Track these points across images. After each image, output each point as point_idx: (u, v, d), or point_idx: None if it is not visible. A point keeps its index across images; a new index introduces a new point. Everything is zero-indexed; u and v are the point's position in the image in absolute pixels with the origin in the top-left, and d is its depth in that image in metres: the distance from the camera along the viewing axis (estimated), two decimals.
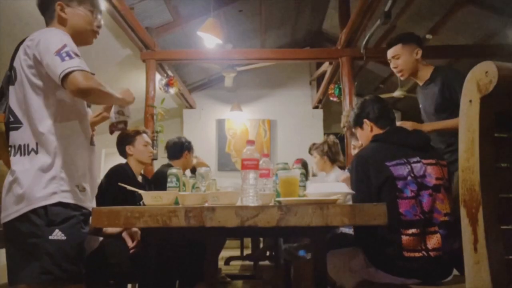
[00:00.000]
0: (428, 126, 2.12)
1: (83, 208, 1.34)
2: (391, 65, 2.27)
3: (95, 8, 1.49)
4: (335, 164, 3.23)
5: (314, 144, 3.34)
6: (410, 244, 1.44)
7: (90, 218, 1.33)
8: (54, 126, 1.32)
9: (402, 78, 2.30)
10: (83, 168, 1.39)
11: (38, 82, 1.31)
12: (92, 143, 1.46)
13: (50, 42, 1.28)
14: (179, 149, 3.20)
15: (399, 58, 2.21)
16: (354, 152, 2.70)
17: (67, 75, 1.22)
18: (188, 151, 3.24)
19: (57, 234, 1.24)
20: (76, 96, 1.30)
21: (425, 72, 2.22)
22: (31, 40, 1.33)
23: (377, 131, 1.73)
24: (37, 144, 1.29)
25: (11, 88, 1.35)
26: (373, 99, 1.81)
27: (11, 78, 1.36)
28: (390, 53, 2.25)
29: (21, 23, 3.66)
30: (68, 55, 1.25)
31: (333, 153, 3.17)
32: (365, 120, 1.77)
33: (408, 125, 2.07)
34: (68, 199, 1.30)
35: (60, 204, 1.27)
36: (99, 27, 1.51)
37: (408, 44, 2.20)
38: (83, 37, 1.46)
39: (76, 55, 1.28)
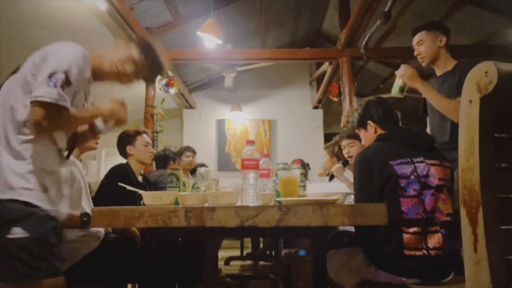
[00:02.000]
0: (422, 87, 2.08)
1: (41, 207, 1.29)
2: (415, 52, 2.24)
3: (143, 65, 1.47)
4: (345, 165, 3.22)
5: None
6: (411, 242, 1.44)
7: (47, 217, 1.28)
8: (22, 127, 1.29)
9: (423, 65, 2.26)
10: (50, 170, 1.34)
11: (28, 85, 1.30)
12: (63, 156, 1.39)
13: (55, 59, 1.29)
14: (164, 161, 3.68)
15: (422, 44, 2.19)
16: (344, 151, 2.70)
17: (35, 102, 1.23)
18: (173, 161, 3.70)
19: (17, 232, 1.22)
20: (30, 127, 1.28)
21: (447, 64, 2.18)
22: (44, 50, 1.34)
23: (381, 132, 1.74)
24: (6, 140, 1.29)
25: (7, 80, 1.36)
26: (377, 100, 1.81)
27: (13, 73, 1.37)
28: (414, 39, 2.23)
29: (21, 23, 3.66)
30: (55, 83, 1.25)
31: (342, 154, 3.16)
32: (369, 122, 1.78)
33: (409, 72, 2.09)
34: (28, 197, 1.26)
35: (17, 201, 1.25)
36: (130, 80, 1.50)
37: (432, 30, 2.17)
38: (101, 76, 1.44)
39: (66, 84, 1.27)
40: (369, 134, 1.79)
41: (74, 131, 1.51)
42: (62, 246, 1.35)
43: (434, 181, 1.51)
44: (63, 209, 1.36)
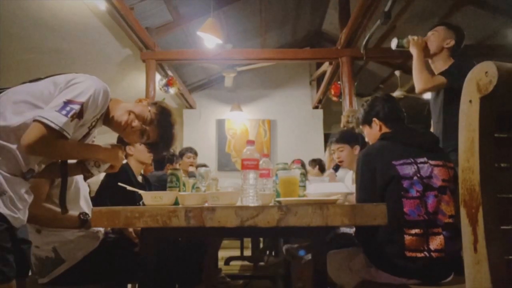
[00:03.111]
0: (417, 54, 2.21)
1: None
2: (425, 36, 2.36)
3: (154, 129, 1.46)
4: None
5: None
6: (412, 244, 1.43)
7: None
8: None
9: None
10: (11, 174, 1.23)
11: (40, 99, 1.26)
12: (25, 176, 1.28)
13: (77, 89, 1.26)
14: (161, 162, 3.61)
15: (433, 34, 2.29)
16: (334, 156, 2.69)
17: (39, 122, 1.18)
18: (171, 163, 3.61)
19: None
20: (21, 145, 1.19)
21: (445, 64, 2.25)
22: (71, 76, 1.32)
23: (385, 130, 1.72)
24: None
25: (21, 84, 1.33)
26: (384, 97, 1.79)
27: (31, 81, 1.34)
28: (434, 28, 2.34)
29: (21, 23, 3.66)
30: (68, 112, 1.21)
31: None
32: (374, 119, 1.76)
33: (420, 41, 2.23)
34: None
35: None
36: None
37: (449, 30, 2.27)
38: (108, 121, 1.42)
39: (78, 117, 1.24)
40: (374, 131, 1.77)
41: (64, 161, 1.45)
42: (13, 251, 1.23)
43: (437, 182, 1.49)
44: (22, 215, 1.26)
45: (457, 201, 1.50)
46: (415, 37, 2.25)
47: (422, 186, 1.48)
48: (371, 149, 1.64)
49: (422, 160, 1.53)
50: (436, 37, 2.26)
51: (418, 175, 1.49)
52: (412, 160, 1.52)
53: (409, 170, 1.50)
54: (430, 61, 2.30)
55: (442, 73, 2.17)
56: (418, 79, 2.15)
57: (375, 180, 1.53)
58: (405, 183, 1.48)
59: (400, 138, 1.63)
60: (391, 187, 1.50)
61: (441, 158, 1.57)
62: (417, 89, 2.17)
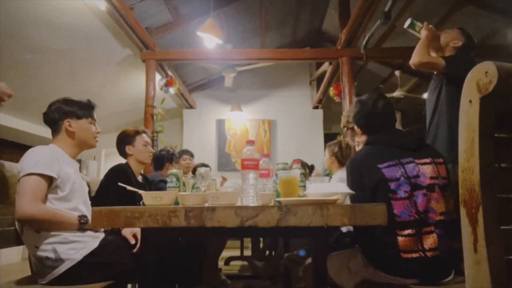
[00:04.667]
0: (425, 36, 2.29)
1: None
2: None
3: None
4: (343, 166, 3.19)
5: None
6: (406, 245, 1.43)
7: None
8: None
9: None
10: None
11: None
12: None
13: None
14: (160, 161, 3.65)
15: (447, 32, 2.37)
16: (358, 148, 2.71)
17: None
18: (170, 162, 3.65)
19: None
20: None
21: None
22: None
23: (367, 136, 1.77)
24: None
25: None
26: (359, 107, 1.79)
27: None
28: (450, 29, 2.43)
29: (21, 23, 3.65)
30: None
31: (342, 156, 3.14)
32: (356, 128, 1.84)
33: (433, 29, 2.32)
34: None
35: None
36: None
37: (460, 34, 2.33)
38: None
39: None
40: (359, 135, 1.84)
41: None
42: None
43: (425, 180, 1.49)
44: None
45: (447, 197, 1.51)
46: (431, 25, 2.33)
47: (410, 186, 1.48)
48: (357, 155, 1.67)
49: (407, 160, 1.53)
50: (447, 35, 2.34)
51: (405, 175, 1.49)
52: (397, 161, 1.53)
53: (395, 172, 1.50)
54: (433, 54, 2.34)
55: (443, 57, 2.23)
56: (417, 52, 2.20)
57: (364, 185, 1.54)
58: (392, 185, 1.48)
59: (384, 140, 1.65)
60: (379, 190, 1.50)
61: (429, 156, 1.57)
62: (412, 60, 2.21)
